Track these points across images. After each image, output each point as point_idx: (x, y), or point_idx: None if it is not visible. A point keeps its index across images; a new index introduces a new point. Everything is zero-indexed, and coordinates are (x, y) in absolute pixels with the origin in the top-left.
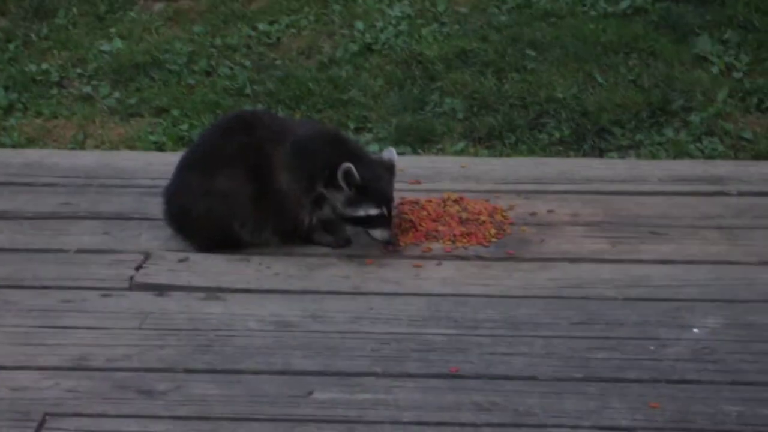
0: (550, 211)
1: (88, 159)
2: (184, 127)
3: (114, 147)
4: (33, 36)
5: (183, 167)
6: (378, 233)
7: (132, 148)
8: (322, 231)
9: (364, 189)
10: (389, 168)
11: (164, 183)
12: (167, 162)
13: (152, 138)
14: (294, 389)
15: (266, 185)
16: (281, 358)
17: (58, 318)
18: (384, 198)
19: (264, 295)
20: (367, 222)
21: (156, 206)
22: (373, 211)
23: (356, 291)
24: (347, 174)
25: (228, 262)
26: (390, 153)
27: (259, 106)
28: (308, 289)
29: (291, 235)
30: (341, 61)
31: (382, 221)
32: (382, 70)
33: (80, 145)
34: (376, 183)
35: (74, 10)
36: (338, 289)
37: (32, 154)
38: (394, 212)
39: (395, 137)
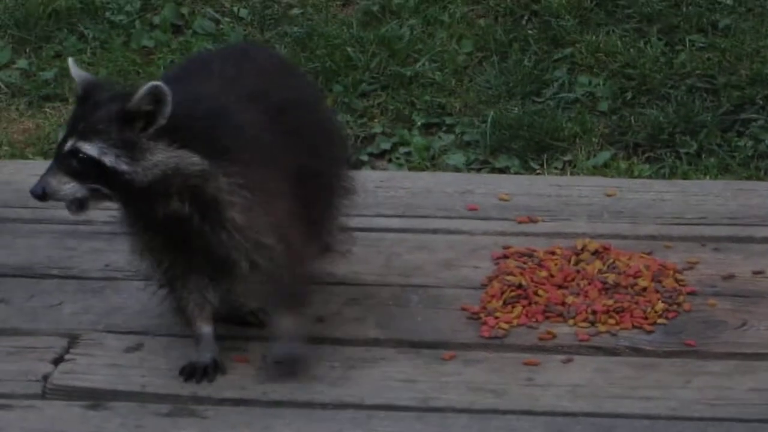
0: (757, 273)
1: None
2: None
3: (17, 152)
4: None
5: None
6: None
7: (47, 154)
8: None
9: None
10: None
11: (107, 216)
12: None
13: None
14: None
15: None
16: None
17: None
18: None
19: (270, 411)
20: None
21: (90, 255)
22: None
23: (426, 405)
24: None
25: None
26: None
27: None
28: (345, 402)
29: None
30: (402, 10)
31: None
32: (470, 25)
33: None
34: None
35: None
36: (395, 401)
37: None
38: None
39: (492, 141)
